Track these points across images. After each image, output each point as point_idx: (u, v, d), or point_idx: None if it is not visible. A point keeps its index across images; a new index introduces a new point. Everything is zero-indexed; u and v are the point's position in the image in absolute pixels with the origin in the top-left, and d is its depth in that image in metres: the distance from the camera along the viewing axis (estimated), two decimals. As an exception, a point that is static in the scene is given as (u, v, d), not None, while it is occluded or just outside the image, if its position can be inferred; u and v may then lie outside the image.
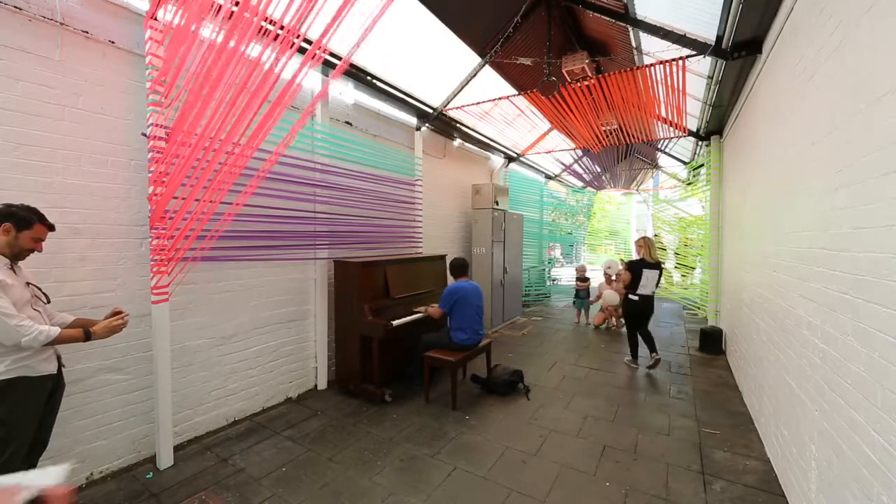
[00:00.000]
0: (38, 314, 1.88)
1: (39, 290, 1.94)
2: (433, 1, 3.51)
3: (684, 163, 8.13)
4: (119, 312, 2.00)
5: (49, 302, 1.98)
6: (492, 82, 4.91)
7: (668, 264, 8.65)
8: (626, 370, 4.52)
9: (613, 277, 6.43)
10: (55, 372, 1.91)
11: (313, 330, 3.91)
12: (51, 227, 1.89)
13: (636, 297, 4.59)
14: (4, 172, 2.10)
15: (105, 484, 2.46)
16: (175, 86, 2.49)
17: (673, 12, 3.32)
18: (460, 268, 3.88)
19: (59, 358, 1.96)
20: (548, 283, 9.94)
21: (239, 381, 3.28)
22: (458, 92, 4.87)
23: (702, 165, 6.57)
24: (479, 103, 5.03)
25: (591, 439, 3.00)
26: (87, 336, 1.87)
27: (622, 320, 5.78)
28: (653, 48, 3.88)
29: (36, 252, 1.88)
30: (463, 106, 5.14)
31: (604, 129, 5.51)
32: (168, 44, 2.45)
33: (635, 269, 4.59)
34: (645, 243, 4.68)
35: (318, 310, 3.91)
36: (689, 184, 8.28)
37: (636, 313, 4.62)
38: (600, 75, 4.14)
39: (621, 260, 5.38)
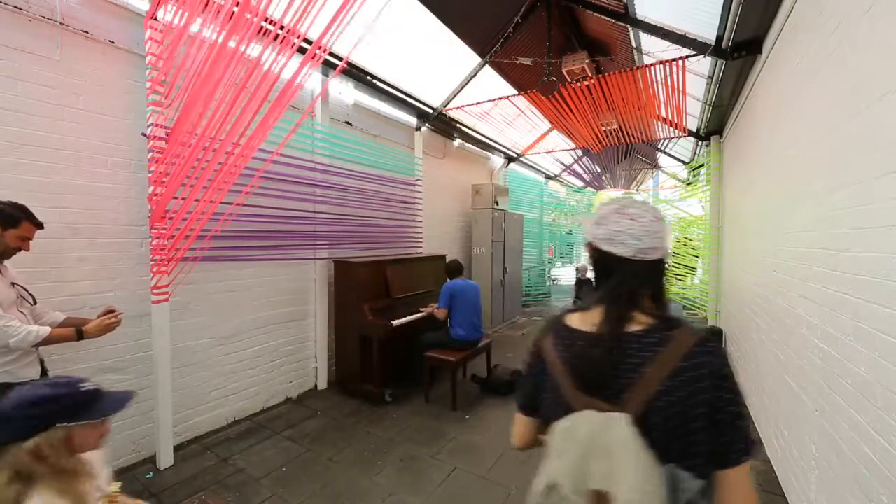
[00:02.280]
0: (24, 316, 1.78)
1: (26, 290, 1.84)
2: (433, 1, 3.51)
3: (684, 163, 8.12)
4: (112, 311, 1.93)
5: (35, 303, 1.88)
6: (492, 82, 4.90)
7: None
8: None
9: None
10: (38, 377, 1.81)
11: (313, 330, 3.91)
12: (39, 226, 1.78)
13: None
14: (4, 172, 2.10)
15: (105, 484, 2.45)
16: (175, 86, 2.49)
17: (673, 12, 3.32)
18: (455, 270, 3.91)
19: (42, 363, 1.86)
20: (548, 283, 9.94)
21: (239, 381, 3.28)
22: (458, 92, 4.87)
23: (702, 165, 6.57)
24: (479, 103, 5.03)
25: (591, 439, 3.00)
26: (80, 335, 1.80)
27: None
28: (653, 48, 3.87)
29: (23, 251, 1.78)
30: (463, 106, 5.14)
31: (604, 129, 5.50)
32: (168, 44, 2.46)
33: None
34: None
35: (318, 310, 3.91)
36: (689, 184, 8.27)
37: None
38: (600, 75, 4.14)
39: None
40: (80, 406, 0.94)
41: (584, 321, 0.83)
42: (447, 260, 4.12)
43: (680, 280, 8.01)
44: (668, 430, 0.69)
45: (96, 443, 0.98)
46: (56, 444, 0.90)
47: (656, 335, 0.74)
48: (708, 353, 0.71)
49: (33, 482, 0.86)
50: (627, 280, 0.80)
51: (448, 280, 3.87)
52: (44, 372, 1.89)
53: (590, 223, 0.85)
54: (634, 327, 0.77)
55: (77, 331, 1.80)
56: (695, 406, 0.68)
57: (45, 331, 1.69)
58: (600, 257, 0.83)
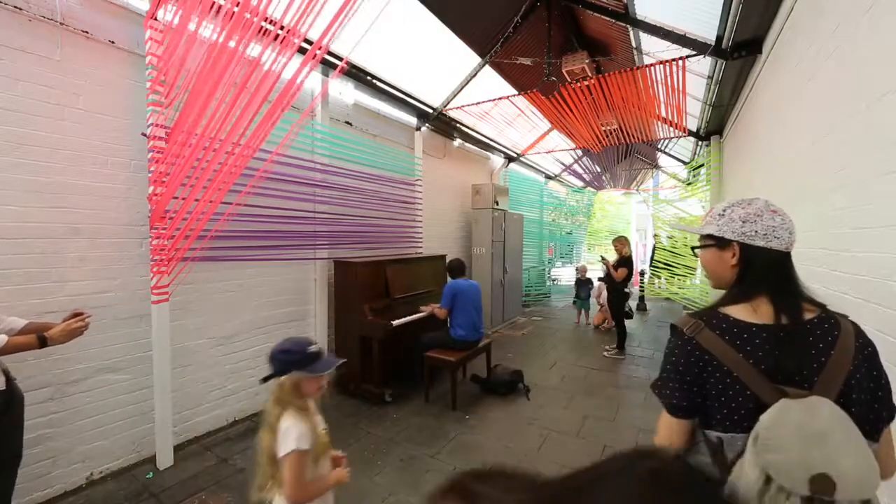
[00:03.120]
0: None
1: None
2: (433, 1, 3.51)
3: (684, 163, 8.12)
4: (80, 314, 1.77)
5: None
6: (492, 82, 4.91)
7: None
8: (625, 369, 4.53)
9: None
10: (3, 388, 1.67)
11: (313, 330, 3.91)
12: None
13: (628, 290, 5.22)
14: (4, 172, 2.10)
15: (105, 484, 2.46)
16: (175, 86, 2.49)
17: (673, 12, 3.32)
18: (458, 269, 3.90)
19: (6, 373, 1.70)
20: (548, 283, 9.94)
21: (239, 381, 3.28)
22: (458, 92, 4.87)
23: (702, 165, 6.57)
24: (479, 103, 5.03)
25: (591, 439, 3.00)
26: (42, 342, 1.63)
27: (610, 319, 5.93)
28: (653, 48, 3.87)
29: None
30: (463, 106, 5.14)
31: (604, 129, 5.51)
32: (168, 44, 2.46)
33: (631, 265, 4.99)
34: (627, 242, 5.22)
35: (318, 310, 3.91)
36: (689, 184, 8.27)
37: (623, 305, 5.23)
38: (600, 75, 4.14)
39: (602, 258, 5.60)
40: (305, 361, 1.32)
41: (752, 313, 0.85)
42: (448, 259, 4.13)
43: (680, 279, 8.03)
44: (862, 404, 0.77)
45: (315, 391, 1.37)
46: (292, 385, 1.31)
47: (828, 321, 0.83)
48: (862, 331, 0.84)
49: (286, 408, 1.28)
50: (787, 271, 0.89)
51: (450, 279, 3.87)
52: (9, 381, 1.71)
53: (733, 222, 0.91)
54: (808, 315, 0.83)
55: (39, 338, 1.63)
56: (874, 378, 0.80)
57: (1, 339, 1.55)
58: (750, 254, 0.89)
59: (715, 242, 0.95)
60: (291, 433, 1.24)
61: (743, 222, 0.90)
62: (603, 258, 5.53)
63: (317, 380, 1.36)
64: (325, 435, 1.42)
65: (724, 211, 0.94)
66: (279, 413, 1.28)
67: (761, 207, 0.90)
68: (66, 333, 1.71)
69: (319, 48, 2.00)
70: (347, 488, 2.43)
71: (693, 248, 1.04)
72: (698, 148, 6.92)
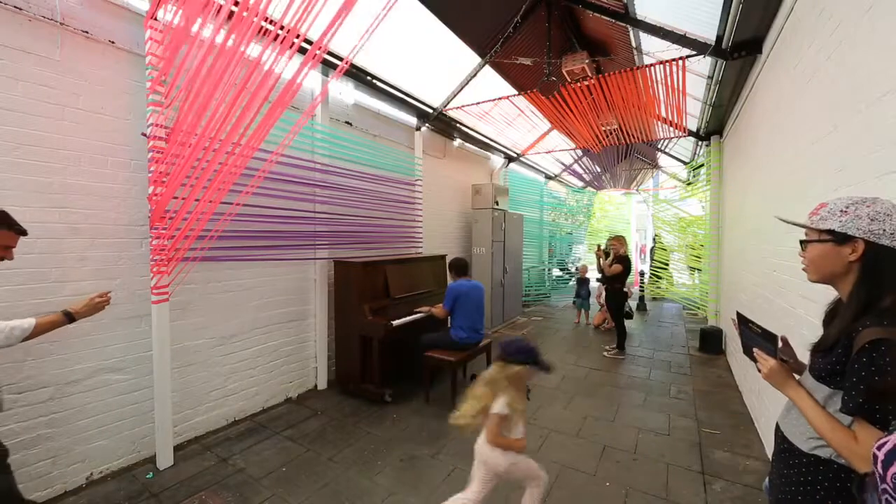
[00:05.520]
0: None
1: None
2: (433, 1, 3.51)
3: (684, 163, 8.13)
4: (103, 293, 1.89)
5: None
6: (492, 82, 4.91)
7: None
8: (625, 369, 4.53)
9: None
10: None
11: (313, 330, 3.91)
12: (22, 232, 1.64)
13: (626, 290, 5.23)
14: (4, 172, 2.10)
15: (105, 484, 2.46)
16: (175, 86, 2.49)
17: (673, 12, 3.32)
18: (461, 268, 3.89)
19: None
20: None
21: (239, 381, 3.28)
22: (458, 92, 4.87)
23: (702, 165, 6.57)
24: (479, 103, 5.03)
25: (591, 439, 3.00)
26: (70, 317, 1.75)
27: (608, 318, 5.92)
28: (653, 48, 3.88)
29: (7, 259, 1.63)
30: (463, 106, 5.14)
31: (604, 129, 5.51)
32: (168, 44, 2.46)
33: (628, 263, 5.05)
34: (625, 241, 5.22)
35: (318, 310, 3.91)
36: (689, 184, 8.28)
37: (622, 305, 5.19)
38: (600, 75, 4.14)
39: (599, 247, 5.60)
40: (538, 361, 1.83)
41: None
42: (448, 259, 4.12)
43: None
44: None
45: (528, 379, 1.87)
46: (524, 373, 1.82)
47: None
48: None
49: (498, 390, 1.82)
50: None
51: (454, 278, 3.86)
52: None
53: (859, 220, 0.92)
54: None
55: (65, 313, 1.74)
56: None
57: (30, 322, 1.62)
58: (877, 252, 0.91)
59: (833, 238, 0.96)
60: (501, 401, 1.80)
61: (871, 220, 0.91)
62: (599, 248, 5.53)
63: (535, 372, 1.85)
64: (522, 406, 1.87)
65: (848, 208, 0.95)
66: (505, 385, 1.81)
67: (890, 207, 0.91)
68: (91, 307, 1.85)
69: (319, 48, 2.00)
70: (348, 488, 2.44)
71: (802, 242, 1.06)
72: (698, 148, 6.93)
